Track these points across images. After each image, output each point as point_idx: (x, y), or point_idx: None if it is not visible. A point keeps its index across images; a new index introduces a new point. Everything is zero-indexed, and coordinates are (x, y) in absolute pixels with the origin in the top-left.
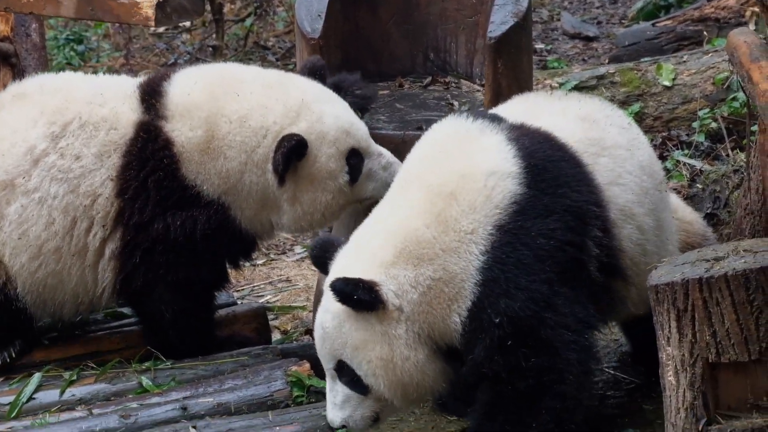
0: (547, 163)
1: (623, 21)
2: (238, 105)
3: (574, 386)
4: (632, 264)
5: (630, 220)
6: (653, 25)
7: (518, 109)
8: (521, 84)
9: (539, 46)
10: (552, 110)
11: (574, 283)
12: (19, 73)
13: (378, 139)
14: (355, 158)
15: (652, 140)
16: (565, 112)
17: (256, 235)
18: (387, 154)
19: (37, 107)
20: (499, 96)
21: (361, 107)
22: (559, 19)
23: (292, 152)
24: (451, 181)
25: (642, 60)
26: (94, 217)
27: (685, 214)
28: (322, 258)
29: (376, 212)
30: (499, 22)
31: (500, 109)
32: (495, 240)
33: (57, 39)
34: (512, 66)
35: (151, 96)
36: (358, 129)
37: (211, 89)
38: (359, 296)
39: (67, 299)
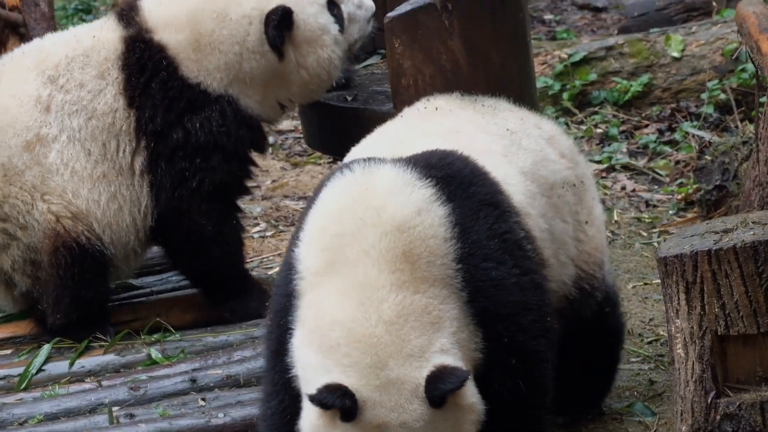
0: (449, 172)
1: None
2: (212, 4)
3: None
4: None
5: (527, 217)
6: None
7: (384, 141)
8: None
9: (548, 17)
10: (417, 132)
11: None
12: (27, 43)
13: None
14: (334, 7)
15: (660, 111)
16: (428, 132)
17: (266, 120)
18: None
19: (22, 68)
20: (400, 76)
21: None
22: None
23: (282, 23)
24: (396, 241)
25: (651, 31)
26: (119, 133)
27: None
28: None
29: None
30: (413, 1)
31: (365, 147)
32: (465, 268)
33: (66, 9)
34: (417, 46)
35: (128, 14)
36: None
37: None
38: None
39: (129, 225)
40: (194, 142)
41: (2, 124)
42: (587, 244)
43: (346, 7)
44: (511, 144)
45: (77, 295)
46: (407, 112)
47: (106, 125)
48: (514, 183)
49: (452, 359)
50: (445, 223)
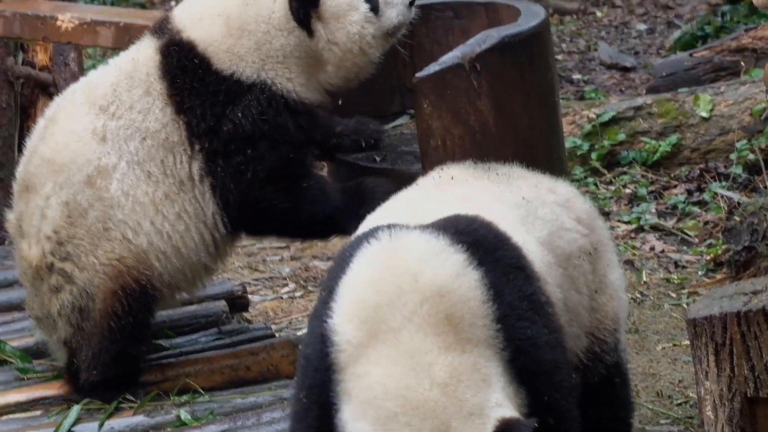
0: (476, 237)
1: (661, 51)
2: None
3: None
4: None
5: (546, 284)
6: (691, 55)
7: (400, 210)
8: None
9: (576, 76)
10: (433, 201)
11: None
12: None
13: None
14: None
15: (689, 172)
16: (443, 201)
17: (313, 104)
18: None
19: (75, 104)
20: (429, 136)
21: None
22: (596, 50)
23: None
24: (437, 305)
25: (679, 91)
26: (173, 146)
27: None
28: None
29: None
30: (441, 61)
31: (381, 217)
32: (504, 328)
33: (95, 68)
34: (445, 107)
35: (160, 26)
36: None
37: None
38: None
39: (198, 243)
40: (242, 133)
41: (64, 161)
42: (599, 312)
43: None
44: (527, 214)
45: (121, 350)
46: (422, 181)
47: (160, 141)
48: (533, 251)
49: (510, 412)
50: (481, 286)
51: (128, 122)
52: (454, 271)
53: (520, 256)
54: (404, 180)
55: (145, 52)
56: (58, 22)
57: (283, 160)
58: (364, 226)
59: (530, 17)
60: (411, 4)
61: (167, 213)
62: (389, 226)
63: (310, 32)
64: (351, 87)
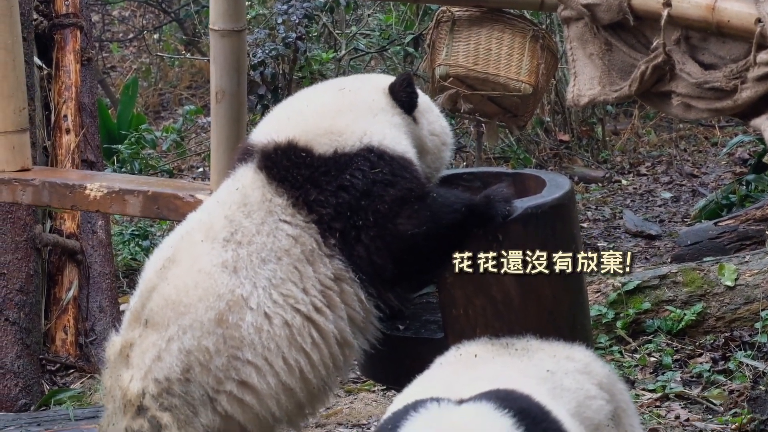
0: (521, 406)
1: (686, 219)
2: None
3: None
4: None
5: None
6: (715, 224)
7: (433, 389)
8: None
9: (601, 244)
10: (464, 380)
11: None
12: (84, 269)
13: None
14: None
15: (714, 340)
16: (476, 378)
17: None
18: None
19: (195, 243)
20: (451, 306)
21: None
22: (621, 217)
23: (411, 84)
24: None
25: (704, 260)
26: (311, 253)
27: None
28: None
29: None
30: None
31: (413, 394)
32: None
33: (122, 234)
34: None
35: (244, 154)
36: None
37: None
38: None
39: (329, 364)
40: (353, 195)
41: (192, 301)
42: None
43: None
44: (554, 386)
45: None
46: (443, 359)
47: (297, 255)
48: (568, 423)
49: None
50: None
51: (259, 247)
52: None
53: (561, 428)
54: (427, 349)
55: (244, 179)
56: (87, 191)
57: (401, 189)
58: (398, 403)
59: (555, 188)
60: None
61: (309, 333)
62: (434, 399)
63: (414, 120)
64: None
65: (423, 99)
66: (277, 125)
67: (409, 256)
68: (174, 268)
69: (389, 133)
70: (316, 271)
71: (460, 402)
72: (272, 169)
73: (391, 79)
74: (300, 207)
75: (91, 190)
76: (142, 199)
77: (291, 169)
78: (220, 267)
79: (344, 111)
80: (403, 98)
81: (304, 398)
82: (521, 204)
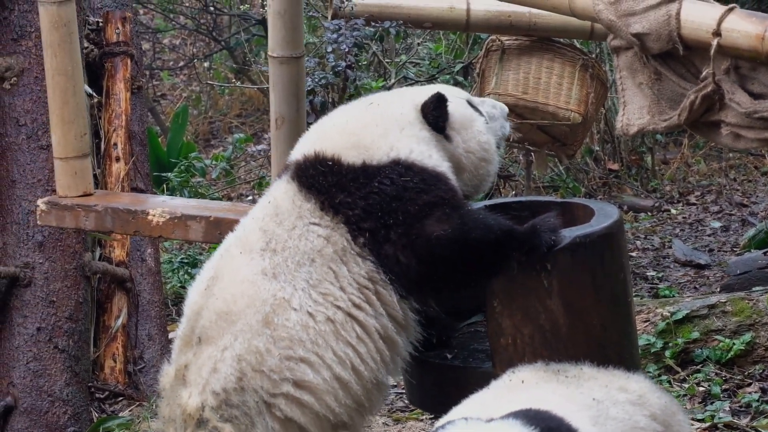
0: (550, 425)
1: (735, 249)
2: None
3: None
4: None
5: None
6: (765, 254)
7: (474, 410)
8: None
9: (650, 273)
10: (504, 402)
11: None
12: (133, 297)
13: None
14: (473, 107)
15: (763, 370)
16: (515, 401)
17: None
18: (487, 101)
19: (234, 257)
20: (499, 335)
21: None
22: (670, 247)
23: (441, 103)
24: None
25: (753, 289)
26: (343, 253)
27: None
28: None
29: None
30: None
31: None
32: None
33: (171, 263)
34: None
35: (283, 170)
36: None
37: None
38: None
39: (376, 358)
40: (383, 198)
41: (240, 308)
42: None
43: (483, 107)
44: (598, 414)
45: None
46: (493, 384)
47: (329, 256)
48: None
49: None
50: None
51: (293, 252)
52: None
53: None
54: (474, 378)
55: (277, 190)
56: (149, 217)
57: (434, 196)
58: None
59: (604, 217)
60: (506, 118)
61: (349, 334)
62: (464, 418)
63: (447, 137)
64: (472, 197)
65: (458, 115)
66: (309, 141)
67: (432, 258)
68: (218, 283)
69: (416, 147)
70: (350, 270)
71: (489, 420)
72: (302, 177)
73: (431, 91)
74: (326, 210)
75: (154, 215)
76: (204, 224)
77: (318, 177)
78: (260, 275)
79: (370, 125)
80: (430, 120)
81: (359, 392)
82: (569, 233)
